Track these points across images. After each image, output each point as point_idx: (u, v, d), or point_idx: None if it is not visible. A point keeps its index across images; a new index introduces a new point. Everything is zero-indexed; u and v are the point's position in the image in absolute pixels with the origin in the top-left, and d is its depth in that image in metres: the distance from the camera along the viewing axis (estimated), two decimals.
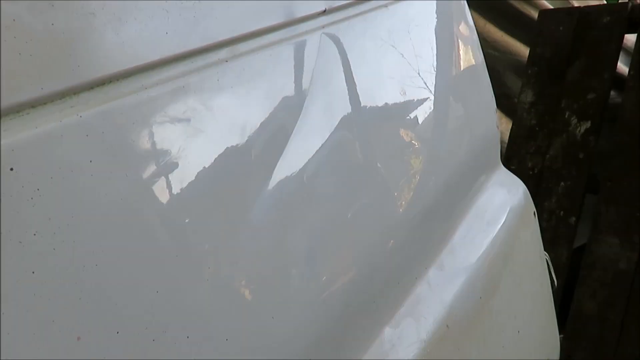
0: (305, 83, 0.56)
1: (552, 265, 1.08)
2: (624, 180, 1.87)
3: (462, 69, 0.89)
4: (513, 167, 2.08)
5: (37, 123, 0.35)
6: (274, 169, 0.52)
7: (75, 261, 0.36)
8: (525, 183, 1.05)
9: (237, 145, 0.48)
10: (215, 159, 0.46)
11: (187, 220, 0.43)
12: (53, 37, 0.36)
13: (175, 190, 0.43)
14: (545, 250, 1.06)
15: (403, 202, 0.72)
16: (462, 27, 0.90)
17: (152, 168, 0.41)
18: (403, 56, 0.75)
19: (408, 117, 0.75)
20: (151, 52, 0.42)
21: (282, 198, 0.53)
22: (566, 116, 2.06)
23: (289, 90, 0.55)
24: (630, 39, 2.18)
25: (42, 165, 0.35)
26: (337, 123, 0.60)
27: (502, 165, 1.05)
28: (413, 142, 0.75)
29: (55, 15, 0.36)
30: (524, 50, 2.40)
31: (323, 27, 0.60)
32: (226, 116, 0.48)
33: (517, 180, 1.04)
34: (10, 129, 0.33)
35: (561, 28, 2.17)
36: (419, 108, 0.77)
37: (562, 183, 2.00)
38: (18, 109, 0.34)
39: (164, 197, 0.42)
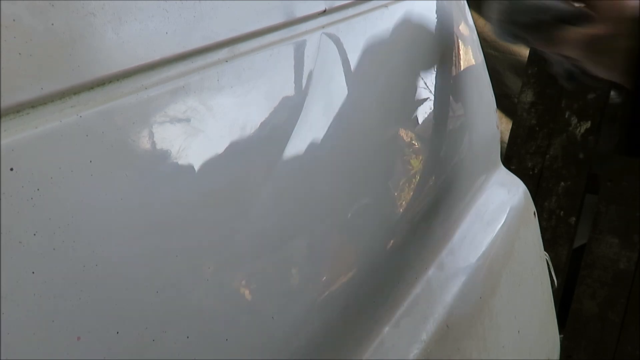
0: (305, 83, 0.56)
1: (552, 265, 1.08)
2: (624, 180, 1.87)
3: (462, 69, 0.89)
4: (513, 167, 2.08)
5: (37, 123, 0.35)
6: (274, 168, 0.52)
7: (75, 261, 0.36)
8: (525, 183, 1.05)
9: (237, 145, 0.48)
10: (216, 159, 0.46)
11: (187, 220, 0.43)
12: (53, 37, 0.36)
13: (175, 190, 0.43)
14: (545, 250, 1.06)
15: (403, 202, 0.72)
16: (462, 27, 0.90)
17: (152, 168, 0.41)
18: (403, 56, 0.75)
19: (408, 117, 0.75)
20: (151, 52, 0.42)
21: (281, 198, 0.53)
22: (566, 116, 2.06)
23: (289, 90, 0.55)
24: None
25: (42, 165, 0.35)
26: (337, 123, 0.60)
27: (502, 165, 1.05)
28: (413, 142, 0.75)
29: (55, 15, 0.36)
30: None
31: (323, 27, 0.60)
32: (226, 116, 0.48)
33: (517, 180, 1.04)
34: (10, 129, 0.33)
35: None
36: (419, 108, 0.77)
37: (562, 183, 2.00)
38: (18, 109, 0.34)
39: (163, 197, 0.42)
